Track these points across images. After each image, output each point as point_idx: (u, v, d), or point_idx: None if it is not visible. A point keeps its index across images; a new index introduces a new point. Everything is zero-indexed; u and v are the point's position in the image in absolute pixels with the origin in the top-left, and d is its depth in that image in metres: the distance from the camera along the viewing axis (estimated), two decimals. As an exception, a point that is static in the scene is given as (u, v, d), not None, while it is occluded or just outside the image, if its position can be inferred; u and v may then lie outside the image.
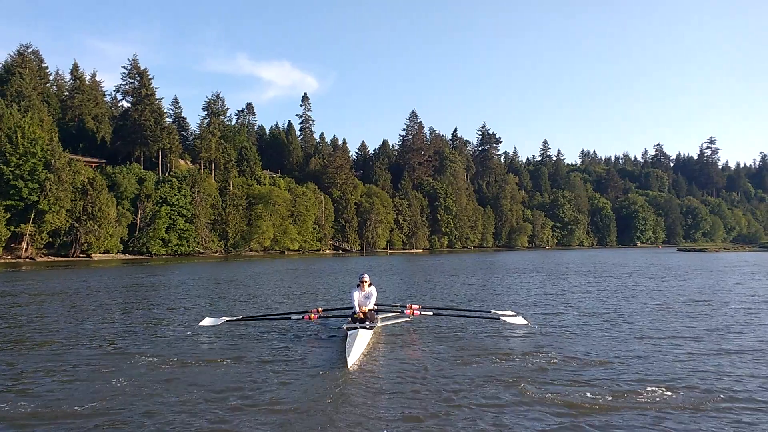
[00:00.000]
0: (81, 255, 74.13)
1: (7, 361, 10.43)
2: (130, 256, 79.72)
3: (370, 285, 13.27)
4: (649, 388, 8.06)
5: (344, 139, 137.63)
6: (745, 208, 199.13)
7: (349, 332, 11.27)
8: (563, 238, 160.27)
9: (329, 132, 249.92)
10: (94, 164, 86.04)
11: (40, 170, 68.40)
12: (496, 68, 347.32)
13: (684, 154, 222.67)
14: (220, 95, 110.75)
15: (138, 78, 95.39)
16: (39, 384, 8.77)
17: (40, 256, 70.90)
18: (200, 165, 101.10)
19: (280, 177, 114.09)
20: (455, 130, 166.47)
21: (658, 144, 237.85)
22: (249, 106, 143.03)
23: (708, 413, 7.12)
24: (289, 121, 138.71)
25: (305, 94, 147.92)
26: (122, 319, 16.10)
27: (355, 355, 10.09)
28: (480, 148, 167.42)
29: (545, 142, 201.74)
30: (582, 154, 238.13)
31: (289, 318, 14.02)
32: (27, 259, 68.38)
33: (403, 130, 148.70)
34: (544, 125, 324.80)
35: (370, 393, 8.07)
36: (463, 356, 10.33)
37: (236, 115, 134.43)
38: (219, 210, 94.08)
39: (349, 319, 12.63)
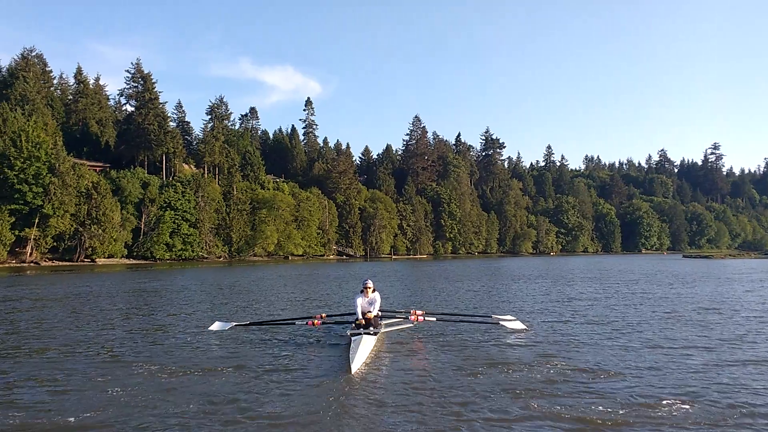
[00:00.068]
0: (85, 259, 74.14)
1: (0, 369, 10.17)
2: (134, 261, 79.68)
3: (373, 291, 13.13)
4: (664, 402, 7.73)
5: (348, 144, 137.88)
6: (750, 214, 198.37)
7: (352, 338, 11.21)
8: (567, 244, 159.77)
9: (333, 136, 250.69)
10: (98, 168, 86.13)
11: (45, 174, 68.45)
12: (500, 73, 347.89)
13: (688, 160, 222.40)
14: (224, 99, 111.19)
15: (142, 82, 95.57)
16: (30, 394, 8.51)
17: (45, 261, 70.89)
18: (204, 169, 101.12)
19: (283, 182, 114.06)
20: (459, 135, 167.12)
21: (663, 150, 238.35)
22: (252, 110, 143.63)
23: (727, 429, 6.79)
24: (293, 125, 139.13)
25: (308, 98, 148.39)
26: (122, 326, 15.85)
27: (358, 362, 9.98)
28: (484, 153, 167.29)
29: (549, 147, 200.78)
30: (586, 159, 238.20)
31: (294, 323, 13.89)
32: (31, 264, 68.35)
33: (407, 134, 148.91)
34: (548, 130, 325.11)
35: (372, 405, 7.77)
36: (469, 366, 10.02)
37: (240, 119, 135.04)
38: (223, 215, 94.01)
39: (353, 325, 12.55)
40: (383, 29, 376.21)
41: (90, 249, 74.01)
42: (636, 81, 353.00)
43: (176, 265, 73.64)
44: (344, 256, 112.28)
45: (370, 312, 12.64)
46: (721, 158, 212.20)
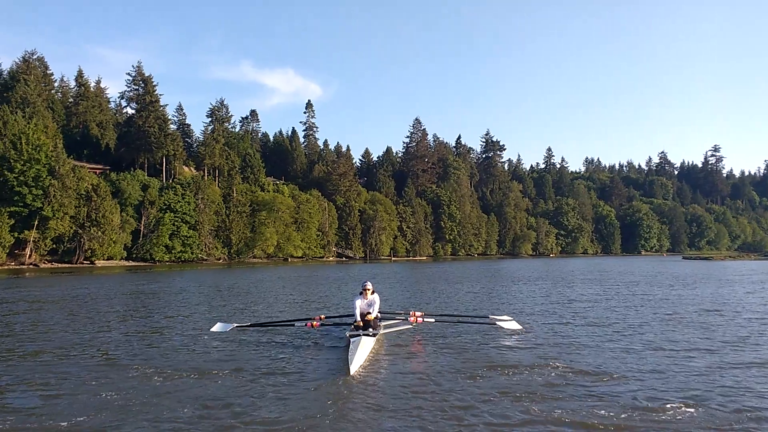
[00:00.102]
0: (84, 261, 73.99)
1: (-6, 372, 10.04)
2: (134, 263, 79.51)
3: (372, 293, 13.09)
4: (668, 405, 7.59)
5: (348, 146, 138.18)
6: (749, 216, 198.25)
7: (351, 340, 11.15)
8: (567, 245, 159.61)
9: (333, 139, 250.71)
10: (98, 171, 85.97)
11: (44, 176, 68.31)
12: (500, 76, 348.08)
13: (688, 162, 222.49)
14: (224, 102, 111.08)
15: (142, 85, 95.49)
16: (22, 398, 8.38)
17: (44, 263, 70.72)
18: (204, 172, 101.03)
19: (283, 184, 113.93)
20: (459, 137, 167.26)
21: (662, 152, 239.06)
22: (253, 113, 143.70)
23: (732, 433, 6.66)
24: (293, 128, 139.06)
25: (309, 101, 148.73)
26: (118, 328, 15.69)
27: (357, 363, 9.93)
28: (484, 156, 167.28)
29: (549, 149, 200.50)
30: (586, 161, 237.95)
31: (293, 325, 13.85)
32: (30, 266, 68.19)
33: (407, 137, 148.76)
34: (548, 133, 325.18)
35: (371, 409, 7.62)
36: (469, 369, 9.89)
37: (240, 122, 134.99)
38: (222, 217, 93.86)
39: (352, 326, 12.53)
40: (383, 32, 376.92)
41: (89, 251, 73.85)
42: (636, 83, 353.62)
43: (175, 267, 73.48)
44: (344, 258, 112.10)
45: (369, 314, 12.58)
46: (721, 160, 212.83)
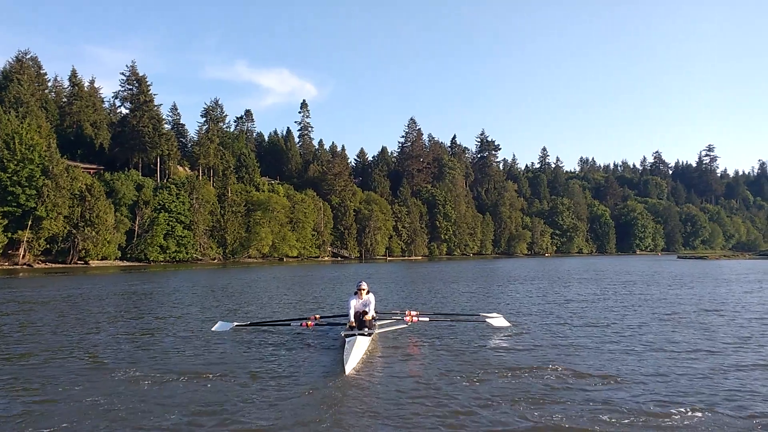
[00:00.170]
0: (79, 261, 73.58)
1: (-23, 376, 9.74)
2: (128, 263, 79.10)
3: (367, 293, 13.07)
4: (672, 410, 7.37)
5: (343, 146, 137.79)
6: (744, 215, 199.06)
7: (347, 339, 11.06)
8: (562, 245, 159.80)
9: (328, 139, 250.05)
10: (92, 170, 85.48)
11: (38, 176, 67.88)
12: (495, 76, 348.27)
13: (683, 162, 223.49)
14: (219, 102, 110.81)
15: (136, 84, 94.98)
16: (2, 403, 8.10)
17: (38, 263, 70.26)
18: (199, 171, 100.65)
19: (278, 184, 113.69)
20: (454, 137, 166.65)
21: (657, 151, 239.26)
22: (248, 112, 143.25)
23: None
24: (288, 127, 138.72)
25: (304, 100, 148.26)
26: (107, 330, 15.36)
27: (352, 363, 9.83)
28: (479, 155, 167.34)
29: (544, 149, 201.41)
30: (581, 161, 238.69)
31: (289, 324, 13.80)
32: (24, 266, 67.72)
33: (402, 136, 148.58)
34: (543, 132, 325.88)
35: (365, 416, 7.36)
36: (466, 371, 9.64)
37: (235, 121, 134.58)
38: (217, 217, 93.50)
39: (347, 326, 12.43)
40: (379, 32, 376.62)
41: (83, 251, 73.42)
42: (631, 83, 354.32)
43: (170, 267, 73.12)
44: (339, 258, 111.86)
45: (365, 314, 12.46)
46: (715, 160, 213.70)
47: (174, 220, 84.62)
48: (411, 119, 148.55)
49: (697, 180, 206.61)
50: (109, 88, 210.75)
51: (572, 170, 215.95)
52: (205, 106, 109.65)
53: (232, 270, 62.42)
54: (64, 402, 8.06)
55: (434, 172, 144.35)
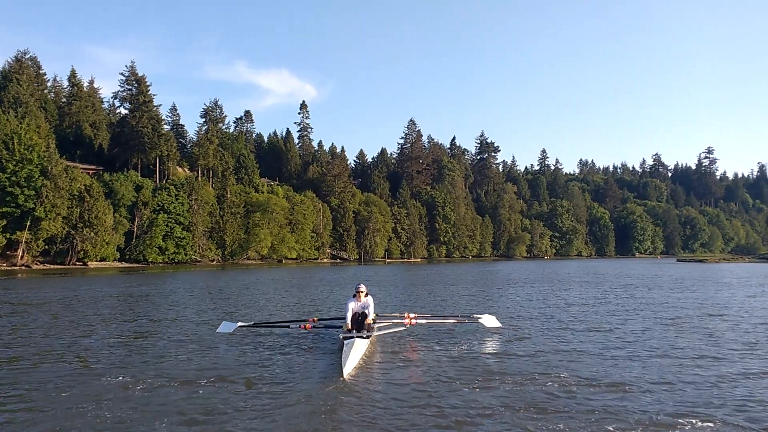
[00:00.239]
0: (77, 262, 73.38)
1: (-37, 381, 9.49)
2: (127, 264, 78.90)
3: (366, 295, 12.95)
4: (680, 420, 7.13)
5: (342, 147, 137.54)
6: (743, 218, 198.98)
7: (345, 342, 10.94)
8: (562, 247, 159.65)
9: (327, 140, 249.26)
10: (91, 171, 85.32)
11: (37, 177, 67.71)
12: (495, 77, 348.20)
13: (682, 164, 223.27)
14: (219, 103, 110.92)
15: (136, 85, 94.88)
16: (-13, 410, 7.84)
17: (36, 264, 70.04)
18: (198, 172, 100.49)
19: (278, 185, 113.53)
20: (454, 138, 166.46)
21: (656, 154, 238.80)
22: (247, 113, 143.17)
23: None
24: (288, 129, 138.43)
25: (303, 102, 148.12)
26: (100, 333, 15.09)
27: (350, 366, 9.72)
28: (478, 157, 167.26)
29: (543, 151, 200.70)
30: (580, 163, 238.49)
31: (288, 326, 13.66)
32: (23, 267, 67.50)
33: (402, 138, 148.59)
34: (543, 134, 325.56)
35: (361, 426, 7.12)
36: (467, 378, 9.40)
37: (234, 122, 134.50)
38: (216, 218, 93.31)
39: (345, 329, 12.30)
40: (378, 34, 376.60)
41: (82, 252, 73.22)
42: (630, 85, 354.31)
43: (169, 268, 72.94)
44: (338, 260, 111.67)
45: (365, 317, 12.37)
46: (715, 162, 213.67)
47: (173, 221, 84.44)
48: (410, 121, 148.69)
49: (696, 183, 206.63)
50: (108, 88, 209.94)
51: (571, 172, 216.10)
52: (205, 107, 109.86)
53: (231, 272, 62.21)
54: (49, 409, 7.80)
55: (433, 173, 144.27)
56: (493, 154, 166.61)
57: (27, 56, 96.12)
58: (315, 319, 14.35)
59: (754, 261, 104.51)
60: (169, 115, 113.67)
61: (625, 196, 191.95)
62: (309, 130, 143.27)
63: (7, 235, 66.98)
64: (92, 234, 72.45)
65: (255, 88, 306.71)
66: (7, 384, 9.25)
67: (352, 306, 12.54)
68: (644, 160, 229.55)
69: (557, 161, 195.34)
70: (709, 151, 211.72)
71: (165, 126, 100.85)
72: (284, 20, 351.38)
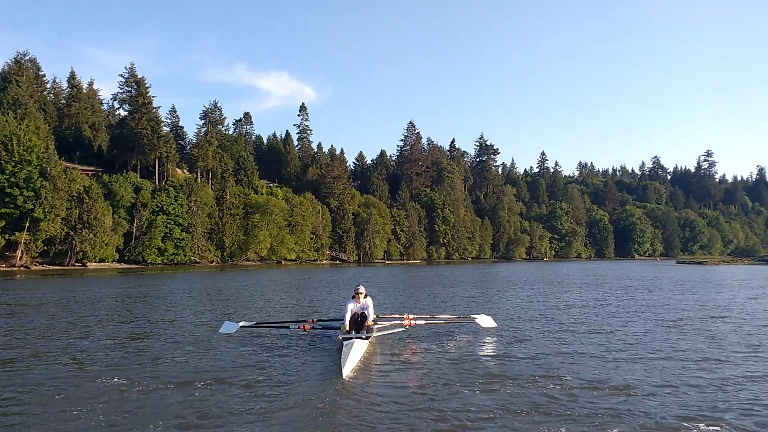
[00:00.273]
0: (76, 264, 73.21)
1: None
2: (126, 265, 78.70)
3: (365, 296, 12.90)
4: (686, 424, 7.00)
5: (342, 149, 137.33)
6: (742, 221, 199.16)
7: (344, 343, 10.87)
8: (561, 249, 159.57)
9: (327, 142, 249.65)
10: (90, 172, 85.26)
11: (36, 178, 67.62)
12: (495, 80, 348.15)
13: (681, 167, 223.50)
14: (218, 105, 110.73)
15: (135, 86, 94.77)
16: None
17: (35, 265, 69.90)
18: (197, 174, 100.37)
19: (277, 187, 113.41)
20: (453, 140, 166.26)
21: (656, 156, 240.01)
22: (247, 115, 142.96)
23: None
24: (287, 130, 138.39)
25: (303, 104, 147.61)
26: (97, 335, 14.94)
27: (349, 367, 9.65)
28: (478, 159, 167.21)
29: (543, 153, 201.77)
30: (579, 165, 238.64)
31: (288, 327, 13.58)
32: (21, 268, 67.36)
33: (401, 140, 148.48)
34: (542, 137, 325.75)
35: (360, 429, 7.00)
36: (467, 380, 9.28)
37: (234, 124, 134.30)
38: (216, 219, 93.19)
39: (343, 330, 12.26)
40: (378, 36, 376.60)
41: (81, 253, 73.07)
42: (630, 87, 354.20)
43: (168, 269, 72.81)
44: (337, 261, 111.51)
45: (364, 318, 12.30)
46: (714, 165, 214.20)
47: (172, 222, 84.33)
48: (410, 123, 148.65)
49: (695, 185, 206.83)
50: (107, 90, 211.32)
51: (571, 175, 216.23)
52: (204, 109, 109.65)
53: (230, 273, 62.07)
54: (42, 412, 7.66)
55: (433, 175, 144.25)
56: (492, 156, 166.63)
57: (26, 58, 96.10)
58: (314, 320, 14.31)
59: (753, 263, 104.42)
60: (169, 116, 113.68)
61: (624, 198, 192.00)
62: (308, 132, 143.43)
63: (6, 236, 66.86)
64: (91, 235, 72.30)
65: (254, 91, 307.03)
66: (1, 386, 9.10)
67: (351, 307, 12.47)
68: (643, 163, 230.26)
69: (556, 164, 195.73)
70: (708, 153, 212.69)
71: (164, 128, 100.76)
72: (284, 22, 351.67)
